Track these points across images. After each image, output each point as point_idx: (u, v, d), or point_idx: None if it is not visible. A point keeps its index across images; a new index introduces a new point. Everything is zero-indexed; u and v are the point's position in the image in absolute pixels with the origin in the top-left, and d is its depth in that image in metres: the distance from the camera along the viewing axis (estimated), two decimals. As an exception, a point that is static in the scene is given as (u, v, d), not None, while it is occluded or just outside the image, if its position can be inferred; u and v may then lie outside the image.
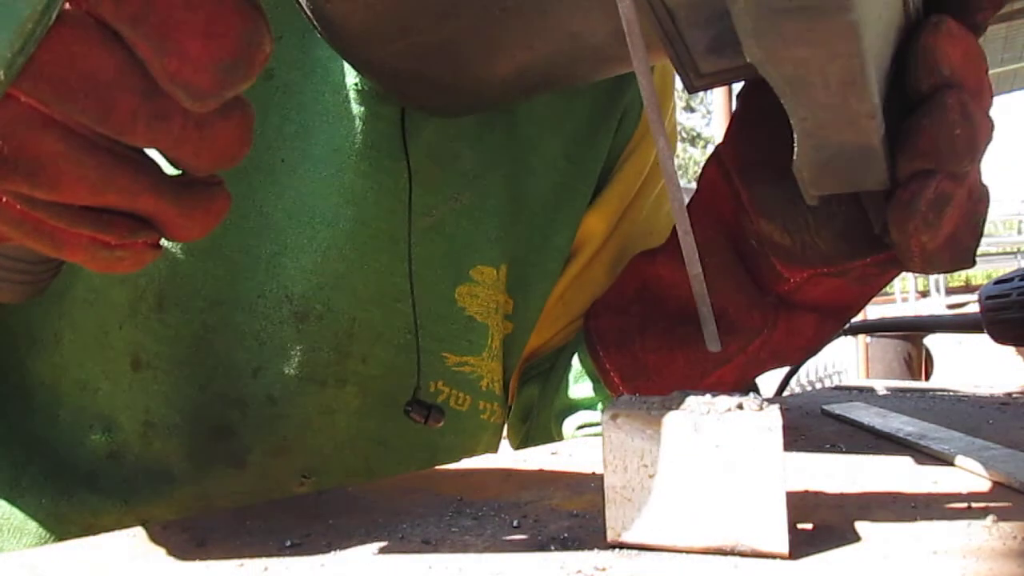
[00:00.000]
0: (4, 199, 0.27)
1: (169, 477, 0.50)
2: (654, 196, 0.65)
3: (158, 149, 0.27)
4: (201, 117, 0.27)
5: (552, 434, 0.62)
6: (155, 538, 0.34)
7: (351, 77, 0.50)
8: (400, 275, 0.52)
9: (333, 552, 0.31)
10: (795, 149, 0.35)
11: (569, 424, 0.60)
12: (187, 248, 0.48)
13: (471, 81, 0.45)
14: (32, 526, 0.50)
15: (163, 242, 0.48)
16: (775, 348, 0.51)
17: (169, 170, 0.29)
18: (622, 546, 0.30)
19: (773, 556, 0.28)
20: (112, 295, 0.49)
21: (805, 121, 0.33)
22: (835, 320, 0.51)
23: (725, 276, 0.50)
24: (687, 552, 0.29)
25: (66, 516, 0.50)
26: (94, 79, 0.25)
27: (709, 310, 0.31)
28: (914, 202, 0.37)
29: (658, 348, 0.53)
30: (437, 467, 0.49)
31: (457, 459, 0.57)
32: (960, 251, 0.40)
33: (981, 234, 0.41)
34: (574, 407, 0.60)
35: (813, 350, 0.52)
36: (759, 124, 0.47)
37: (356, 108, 0.50)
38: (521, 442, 0.67)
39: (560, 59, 0.43)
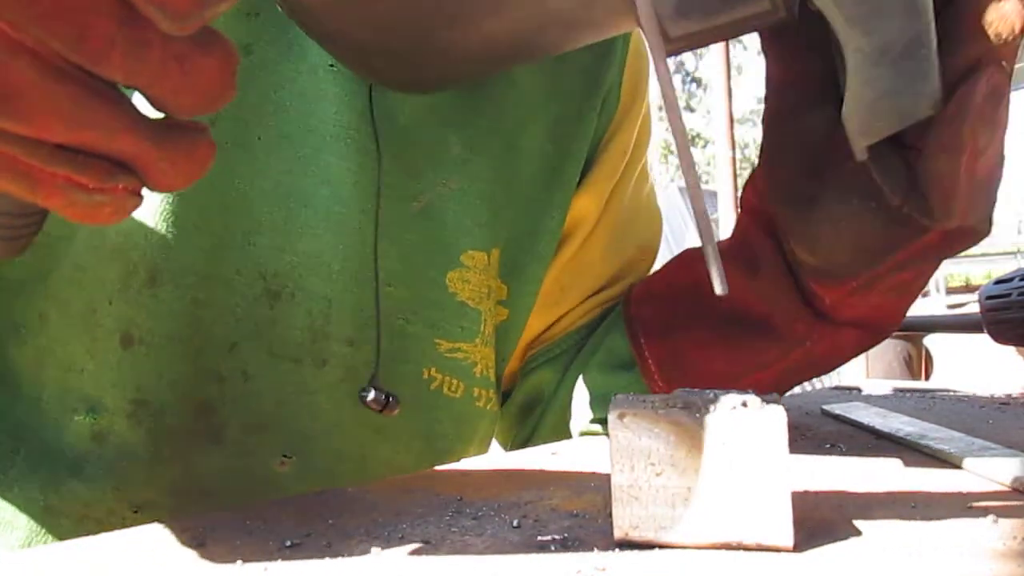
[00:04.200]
0: None
1: (154, 457, 0.49)
2: (635, 176, 0.66)
3: (136, 86, 0.26)
4: (181, 50, 0.25)
5: (566, 422, 0.62)
6: (155, 538, 0.34)
7: (328, 56, 0.50)
8: (389, 257, 0.52)
9: (333, 552, 0.31)
10: (845, 96, 0.35)
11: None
12: (178, 222, 0.48)
13: (436, 54, 0.43)
14: (23, 520, 0.49)
15: (155, 217, 0.48)
16: (815, 360, 0.53)
17: (151, 114, 0.27)
18: (630, 544, 0.30)
19: (778, 550, 0.28)
20: (101, 272, 0.48)
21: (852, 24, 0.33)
22: (876, 335, 0.52)
23: (775, 285, 0.51)
24: (694, 548, 0.29)
25: (56, 507, 0.49)
26: (67, 0, 0.23)
27: (715, 249, 0.31)
28: (970, 98, 0.36)
29: (701, 343, 0.54)
30: (437, 467, 0.49)
31: (453, 446, 0.57)
32: (990, 199, 0.41)
33: (996, 201, 0.42)
34: (609, 393, 0.60)
35: (845, 362, 0.54)
36: (783, 149, 0.47)
37: (332, 88, 0.50)
38: (530, 432, 0.66)
39: (527, 26, 0.41)
